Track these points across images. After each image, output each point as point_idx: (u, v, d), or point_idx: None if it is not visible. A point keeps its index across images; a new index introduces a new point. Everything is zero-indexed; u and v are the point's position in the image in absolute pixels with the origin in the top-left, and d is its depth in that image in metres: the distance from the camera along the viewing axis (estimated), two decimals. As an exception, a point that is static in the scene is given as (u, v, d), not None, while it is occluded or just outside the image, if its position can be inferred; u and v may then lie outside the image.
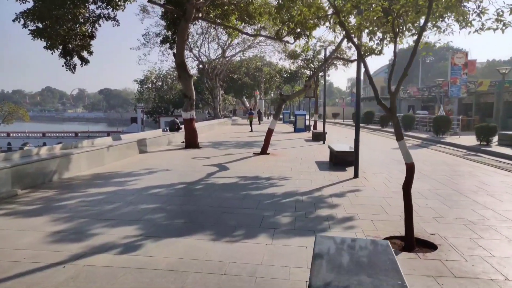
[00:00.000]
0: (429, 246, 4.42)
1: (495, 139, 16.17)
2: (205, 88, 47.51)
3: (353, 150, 10.37)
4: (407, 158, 4.51)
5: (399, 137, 4.58)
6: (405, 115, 26.26)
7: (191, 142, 14.57)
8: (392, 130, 28.65)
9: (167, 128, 17.13)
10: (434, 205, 6.20)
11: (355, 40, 6.70)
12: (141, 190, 7.18)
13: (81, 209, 5.82)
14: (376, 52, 12.84)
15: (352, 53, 20.69)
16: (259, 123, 35.97)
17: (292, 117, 49.04)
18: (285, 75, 45.31)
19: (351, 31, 5.64)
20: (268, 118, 58.68)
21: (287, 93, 49.59)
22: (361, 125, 34.99)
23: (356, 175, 8.75)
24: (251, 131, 26.33)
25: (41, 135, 60.84)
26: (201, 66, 46.03)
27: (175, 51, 14.21)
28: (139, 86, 63.95)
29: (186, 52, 44.53)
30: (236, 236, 4.64)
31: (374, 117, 36.07)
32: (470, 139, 18.14)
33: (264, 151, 12.99)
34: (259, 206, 6.06)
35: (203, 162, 11.09)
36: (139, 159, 11.51)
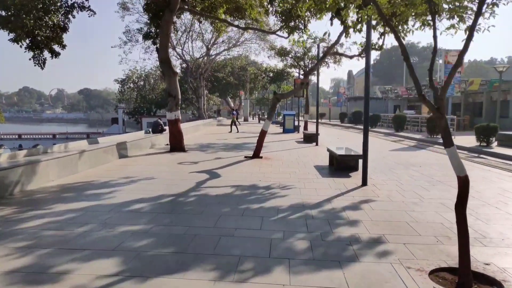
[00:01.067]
0: (490, 282, 3.49)
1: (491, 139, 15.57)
2: (189, 87, 46.19)
3: (357, 154, 9.49)
4: (459, 170, 3.55)
5: (448, 143, 3.62)
6: (397, 115, 25.68)
7: (177, 145, 13.41)
8: (383, 130, 28.15)
9: (150, 129, 15.91)
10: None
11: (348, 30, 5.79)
12: (120, 206, 6.04)
13: (44, 235, 4.66)
14: (377, 47, 12.03)
15: (344, 50, 19.90)
16: (238, 123, 34.07)
17: (278, 117, 48.17)
18: (271, 75, 44.33)
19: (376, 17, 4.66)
20: (253, 119, 57.65)
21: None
22: (348, 125, 34.22)
23: (364, 182, 7.82)
24: (236, 131, 25.37)
25: (16, 136, 58.44)
26: (184, 65, 44.70)
27: (158, 46, 13.04)
28: (120, 86, 62.27)
29: (169, 50, 43.29)
30: (242, 272, 3.60)
31: (362, 117, 35.56)
32: (467, 140, 17.56)
33: (256, 155, 11.97)
34: (263, 226, 5.04)
35: (191, 168, 9.99)
36: (119, 165, 10.31)
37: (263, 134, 11.90)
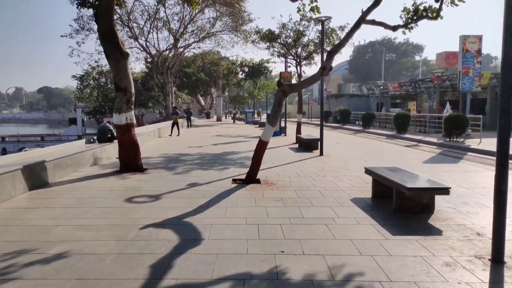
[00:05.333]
0: None
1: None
2: (155, 84, 41.20)
3: (439, 186, 5.57)
4: None
5: None
6: (399, 113, 22.23)
7: (130, 162, 9.03)
8: (381, 131, 24.25)
9: (95, 137, 11.40)
10: None
11: None
12: None
13: None
14: (429, 13, 8.12)
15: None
16: (189, 126, 29.35)
17: (257, 116, 44.09)
18: (246, 69, 40.12)
19: None
20: (226, 118, 53.21)
21: (250, 90, 44.34)
22: (335, 125, 30.53)
23: (498, 258, 3.85)
24: (177, 135, 21.39)
25: None
26: (149, 59, 39.68)
27: (98, 13, 8.58)
28: (79, 83, 56.66)
29: (130, 42, 37.95)
30: None
31: (351, 116, 32.09)
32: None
33: (252, 178, 7.84)
34: None
35: (146, 212, 5.69)
36: (15, 210, 5.85)
37: (262, 146, 7.73)
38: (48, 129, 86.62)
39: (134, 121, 9.05)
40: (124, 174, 8.75)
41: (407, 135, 20.01)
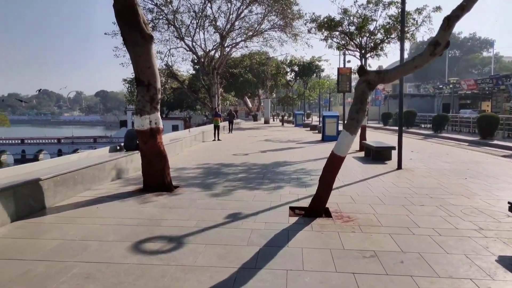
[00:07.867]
0: None
1: None
2: (202, 86, 39.80)
3: None
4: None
5: None
6: (485, 115, 18.56)
7: (155, 178, 6.92)
8: (460, 137, 20.41)
9: (121, 145, 9.53)
10: None
11: None
12: None
13: None
14: None
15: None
16: (230, 130, 25.75)
17: (307, 118, 41.37)
18: (296, 68, 37.45)
19: None
20: (274, 121, 50.86)
21: (299, 92, 41.44)
22: (396, 128, 27.08)
23: None
24: (218, 139, 19.29)
25: (19, 141, 54.57)
26: (196, 60, 38.36)
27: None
28: (129, 85, 57.45)
29: (176, 42, 36.85)
30: None
31: (415, 118, 28.39)
32: None
33: (319, 209, 5.37)
34: None
35: (153, 279, 3.44)
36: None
37: (336, 164, 5.23)
38: (104, 131, 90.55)
39: (161, 126, 6.93)
40: (146, 195, 6.65)
41: (495, 142, 16.45)
